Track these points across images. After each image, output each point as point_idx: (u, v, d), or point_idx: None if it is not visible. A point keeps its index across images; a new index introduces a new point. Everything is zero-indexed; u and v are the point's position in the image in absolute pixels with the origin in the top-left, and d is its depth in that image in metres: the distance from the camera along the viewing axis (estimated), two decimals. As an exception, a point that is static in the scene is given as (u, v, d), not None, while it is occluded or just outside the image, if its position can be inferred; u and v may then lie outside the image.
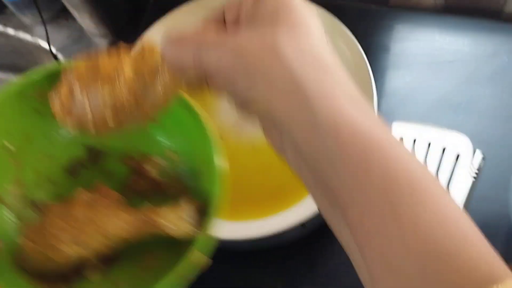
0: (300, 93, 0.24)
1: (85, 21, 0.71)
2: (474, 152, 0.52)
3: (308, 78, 0.25)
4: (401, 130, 0.54)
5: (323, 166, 0.24)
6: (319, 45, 0.26)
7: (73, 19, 0.74)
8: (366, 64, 0.50)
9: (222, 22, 0.30)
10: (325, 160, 0.24)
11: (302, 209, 0.48)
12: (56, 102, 0.32)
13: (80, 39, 0.75)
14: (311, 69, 0.25)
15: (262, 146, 0.53)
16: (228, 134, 0.54)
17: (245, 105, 0.27)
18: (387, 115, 0.56)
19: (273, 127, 0.28)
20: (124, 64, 0.31)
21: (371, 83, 0.50)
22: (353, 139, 0.24)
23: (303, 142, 0.25)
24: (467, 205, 0.51)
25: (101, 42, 0.74)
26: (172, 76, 0.30)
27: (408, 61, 0.58)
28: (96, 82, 0.31)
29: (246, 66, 0.25)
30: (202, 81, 0.28)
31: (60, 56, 0.74)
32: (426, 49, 0.59)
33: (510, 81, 0.56)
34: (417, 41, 0.59)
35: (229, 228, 0.47)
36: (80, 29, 0.75)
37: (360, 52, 0.51)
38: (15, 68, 0.86)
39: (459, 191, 0.51)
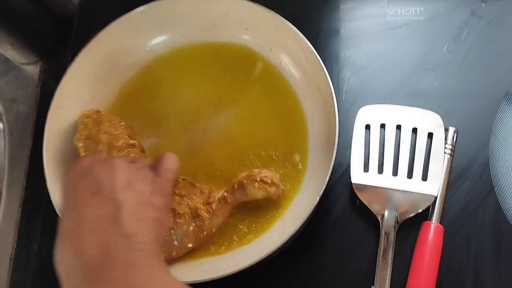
0: None
1: (8, 51, 0.65)
2: (447, 128, 0.49)
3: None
4: (368, 116, 0.51)
5: None
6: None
7: (-4, 50, 0.67)
8: (323, 69, 0.47)
9: None
10: None
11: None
12: None
13: (8, 71, 0.68)
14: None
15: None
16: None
17: None
18: (351, 102, 0.52)
19: None
20: (198, 203, 0.45)
21: (330, 90, 0.46)
22: None
23: None
24: (448, 183, 0.49)
25: (31, 70, 0.67)
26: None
27: (362, 41, 0.55)
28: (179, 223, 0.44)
29: None
30: None
31: (-12, 93, 0.67)
32: (379, 26, 0.55)
33: (471, 45, 0.53)
34: (368, 18, 0.55)
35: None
36: (6, 61, 0.68)
37: (316, 57, 0.47)
38: None
39: (438, 170, 0.48)
